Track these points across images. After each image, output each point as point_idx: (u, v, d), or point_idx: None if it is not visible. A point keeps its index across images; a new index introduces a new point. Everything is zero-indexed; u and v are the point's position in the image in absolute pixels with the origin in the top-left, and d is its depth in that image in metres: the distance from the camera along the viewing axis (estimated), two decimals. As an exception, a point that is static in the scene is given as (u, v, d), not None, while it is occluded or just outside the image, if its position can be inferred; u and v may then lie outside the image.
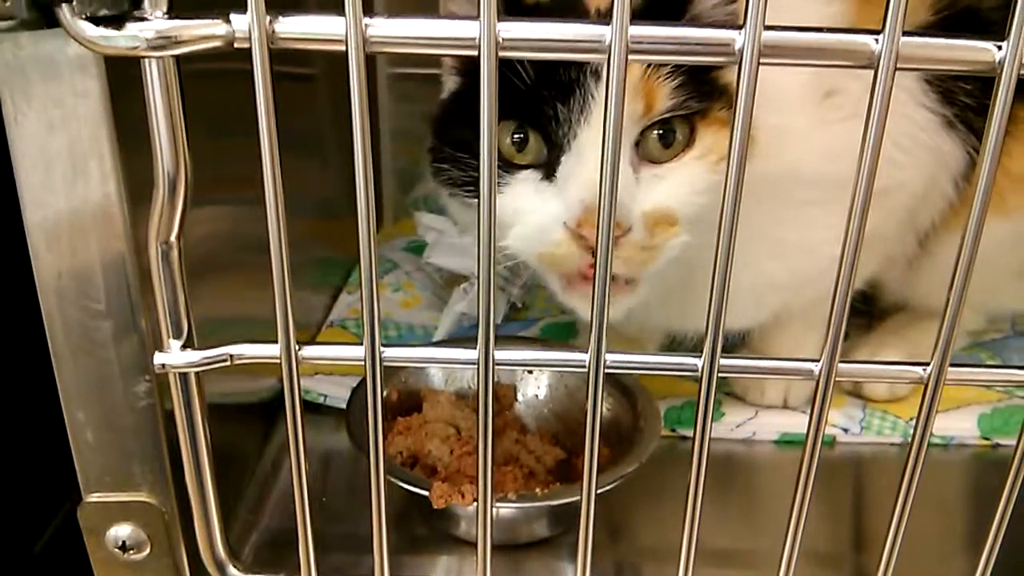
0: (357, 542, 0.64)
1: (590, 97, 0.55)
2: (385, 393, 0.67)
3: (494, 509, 0.60)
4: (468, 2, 0.59)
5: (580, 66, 0.55)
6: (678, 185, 0.57)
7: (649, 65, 0.55)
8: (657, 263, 0.58)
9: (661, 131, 0.57)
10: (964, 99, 0.67)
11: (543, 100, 0.56)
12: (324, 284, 0.94)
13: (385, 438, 0.62)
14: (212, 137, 0.50)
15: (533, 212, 0.57)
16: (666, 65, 0.55)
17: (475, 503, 0.56)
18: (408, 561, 0.63)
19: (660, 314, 0.70)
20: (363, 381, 0.69)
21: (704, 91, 0.57)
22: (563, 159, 0.56)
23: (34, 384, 0.55)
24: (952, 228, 0.73)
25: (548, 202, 0.57)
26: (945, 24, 0.67)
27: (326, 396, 0.77)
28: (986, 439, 0.76)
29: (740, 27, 0.37)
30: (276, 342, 0.44)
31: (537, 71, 0.56)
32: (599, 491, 0.58)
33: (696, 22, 0.56)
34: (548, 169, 0.57)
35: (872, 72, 0.38)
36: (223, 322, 0.59)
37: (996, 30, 0.38)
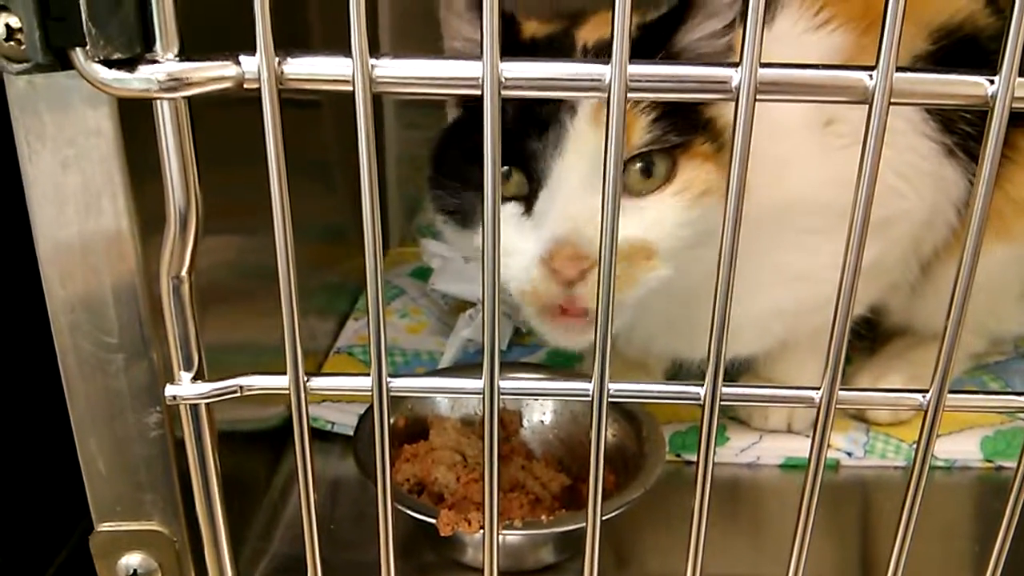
0: (365, 569, 0.64)
1: (565, 132, 0.56)
2: (392, 420, 0.68)
3: (500, 536, 0.60)
4: (468, 23, 0.60)
5: (556, 102, 0.56)
6: (656, 220, 0.57)
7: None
8: (633, 295, 0.58)
9: (641, 164, 0.57)
10: (964, 127, 0.68)
11: (522, 136, 0.56)
12: (330, 310, 0.95)
13: (392, 465, 0.62)
14: (216, 166, 0.51)
15: (513, 248, 0.58)
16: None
17: (481, 530, 0.56)
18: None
19: (665, 341, 0.71)
20: (370, 409, 0.71)
21: (686, 125, 0.57)
22: (540, 194, 0.57)
23: (45, 412, 0.56)
24: (954, 254, 0.73)
25: (527, 237, 0.57)
26: (944, 54, 0.67)
27: (334, 423, 0.78)
28: (989, 461, 0.76)
29: (736, 65, 0.38)
30: (284, 372, 0.45)
31: (516, 108, 0.56)
32: (604, 517, 0.59)
33: (685, 54, 0.57)
34: (528, 203, 0.58)
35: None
36: (228, 350, 0.59)
37: (996, 59, 0.39)
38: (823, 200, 0.63)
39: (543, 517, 0.62)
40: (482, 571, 0.49)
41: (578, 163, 0.56)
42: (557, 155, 0.56)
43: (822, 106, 0.64)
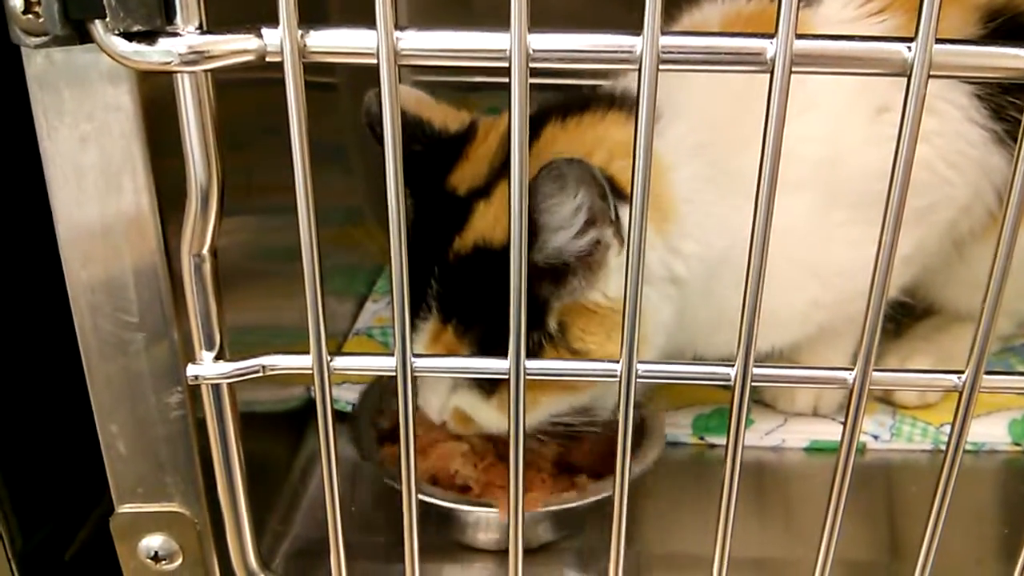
0: (386, 550, 0.65)
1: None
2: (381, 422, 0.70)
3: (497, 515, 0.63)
4: None
5: None
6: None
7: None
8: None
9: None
10: (1014, 114, 0.66)
11: None
12: (348, 292, 0.94)
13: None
14: (236, 146, 0.51)
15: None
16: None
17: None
18: (425, 569, 0.64)
19: (684, 339, 0.70)
20: (368, 390, 0.71)
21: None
22: None
23: (64, 391, 0.56)
24: (988, 236, 0.72)
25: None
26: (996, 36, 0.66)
27: (354, 404, 0.77)
28: (1017, 444, 0.75)
29: (771, 36, 0.37)
30: (306, 352, 0.44)
31: None
32: (596, 498, 0.61)
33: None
34: None
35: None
36: (248, 330, 0.59)
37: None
38: (873, 192, 0.62)
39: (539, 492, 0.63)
40: (481, 550, 0.54)
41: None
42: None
43: (875, 92, 0.62)
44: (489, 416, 0.62)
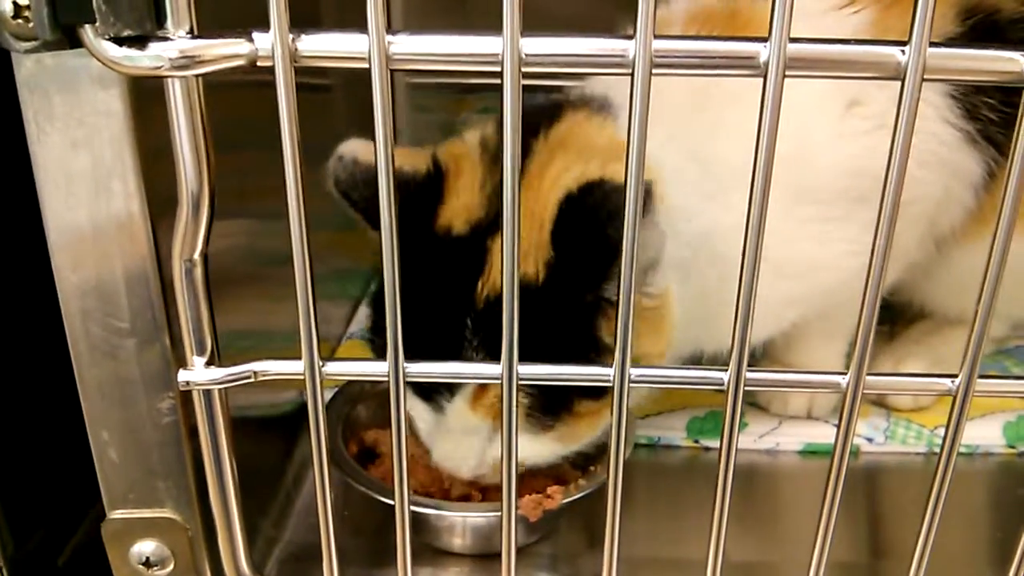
0: (379, 556, 0.64)
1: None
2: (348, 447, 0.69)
3: (469, 519, 0.63)
4: None
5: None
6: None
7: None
8: None
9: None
10: (987, 113, 0.66)
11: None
12: (343, 296, 0.94)
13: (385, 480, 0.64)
14: (227, 150, 0.51)
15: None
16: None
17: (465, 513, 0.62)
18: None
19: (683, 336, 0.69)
20: (333, 400, 0.71)
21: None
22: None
23: (56, 396, 0.55)
24: (973, 236, 0.72)
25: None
26: (975, 36, 0.66)
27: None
28: (1012, 447, 0.75)
29: (765, 40, 0.37)
30: (298, 357, 0.44)
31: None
32: (574, 498, 0.61)
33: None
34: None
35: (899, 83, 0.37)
36: (241, 334, 0.59)
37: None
38: (840, 187, 0.62)
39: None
40: (454, 554, 0.56)
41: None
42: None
43: (844, 86, 0.62)
44: (539, 451, 0.61)
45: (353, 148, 0.58)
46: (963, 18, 0.66)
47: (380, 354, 0.56)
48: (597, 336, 0.56)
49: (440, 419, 0.60)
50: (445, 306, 0.56)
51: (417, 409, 0.61)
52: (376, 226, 0.58)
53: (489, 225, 0.58)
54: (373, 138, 0.39)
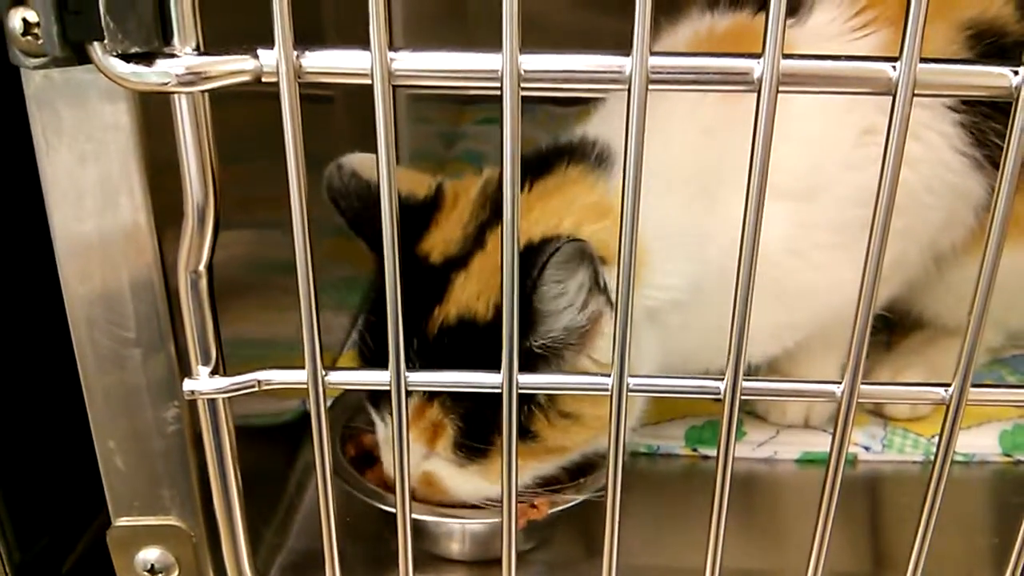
0: (382, 562, 0.65)
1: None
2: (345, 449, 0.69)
3: (468, 526, 0.63)
4: None
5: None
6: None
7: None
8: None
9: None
10: (995, 139, 0.66)
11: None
12: (345, 305, 0.95)
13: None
14: (232, 160, 0.51)
15: None
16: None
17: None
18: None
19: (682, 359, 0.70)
20: (334, 405, 0.71)
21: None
22: None
23: (62, 405, 0.56)
24: (972, 252, 0.72)
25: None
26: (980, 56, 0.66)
27: (349, 417, 0.78)
28: (1007, 455, 0.75)
29: (758, 56, 0.37)
30: (301, 366, 0.45)
31: None
32: (560, 509, 0.62)
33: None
34: None
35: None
36: (245, 343, 0.59)
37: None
38: (850, 216, 0.62)
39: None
40: (451, 560, 0.57)
41: None
42: None
43: (861, 113, 0.62)
44: (463, 485, 0.61)
45: (355, 161, 0.60)
46: (971, 44, 0.66)
47: (364, 357, 0.61)
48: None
49: (385, 431, 0.62)
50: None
51: (373, 415, 0.63)
52: (360, 235, 0.61)
53: (458, 260, 0.59)
54: (374, 151, 0.39)
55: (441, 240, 0.61)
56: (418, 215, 0.62)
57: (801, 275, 0.65)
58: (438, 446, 0.59)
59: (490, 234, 0.59)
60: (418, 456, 0.60)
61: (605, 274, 0.56)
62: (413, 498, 0.63)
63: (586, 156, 0.63)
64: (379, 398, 0.61)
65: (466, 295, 0.58)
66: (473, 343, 0.57)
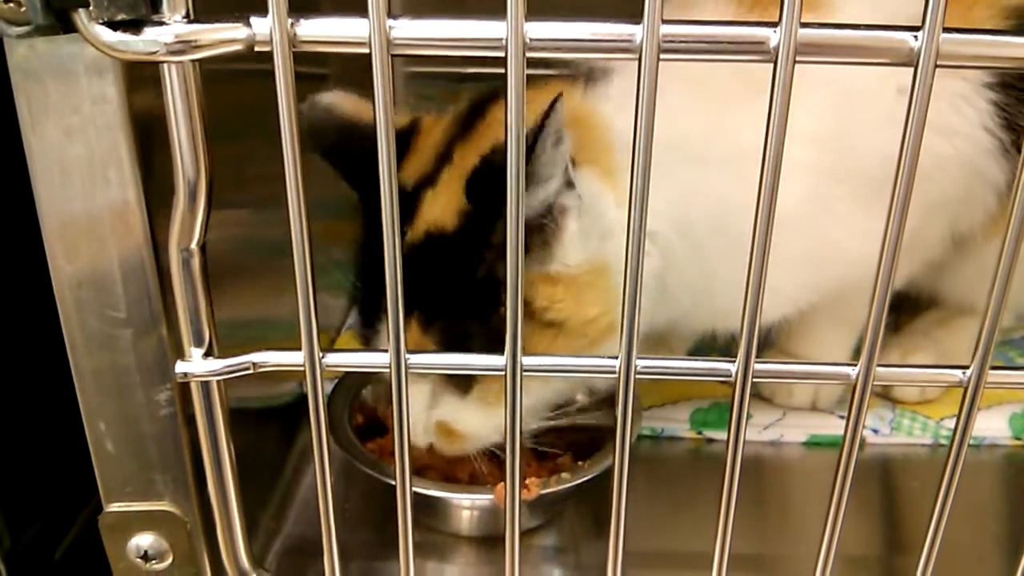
0: (379, 548, 0.64)
1: None
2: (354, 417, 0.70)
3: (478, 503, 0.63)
4: None
5: None
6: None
7: None
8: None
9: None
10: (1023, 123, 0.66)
11: None
12: (342, 287, 0.93)
13: (383, 457, 0.65)
14: (225, 137, 0.50)
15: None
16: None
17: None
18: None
19: (690, 319, 0.69)
20: (337, 388, 0.71)
21: None
22: None
23: (52, 389, 0.55)
24: (993, 235, 0.71)
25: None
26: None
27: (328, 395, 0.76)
28: (1018, 439, 0.75)
29: (775, 24, 0.36)
30: (298, 348, 0.44)
31: None
32: (578, 481, 0.62)
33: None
34: None
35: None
36: (239, 325, 0.58)
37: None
38: (875, 171, 0.61)
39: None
40: (460, 537, 0.56)
41: None
42: None
43: (896, 71, 0.61)
44: (473, 418, 0.61)
45: (328, 97, 0.61)
46: (1009, 21, 0.65)
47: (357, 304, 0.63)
48: (497, 278, 0.56)
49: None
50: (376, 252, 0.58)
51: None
52: (335, 166, 0.61)
53: (428, 178, 0.60)
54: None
55: (416, 166, 0.61)
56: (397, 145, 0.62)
57: (822, 229, 0.64)
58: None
59: (457, 147, 0.60)
60: (422, 408, 0.61)
61: (575, 175, 0.57)
62: (436, 460, 0.64)
63: (577, 71, 0.63)
64: (372, 317, 0.62)
65: (434, 210, 0.59)
66: (442, 254, 0.57)
